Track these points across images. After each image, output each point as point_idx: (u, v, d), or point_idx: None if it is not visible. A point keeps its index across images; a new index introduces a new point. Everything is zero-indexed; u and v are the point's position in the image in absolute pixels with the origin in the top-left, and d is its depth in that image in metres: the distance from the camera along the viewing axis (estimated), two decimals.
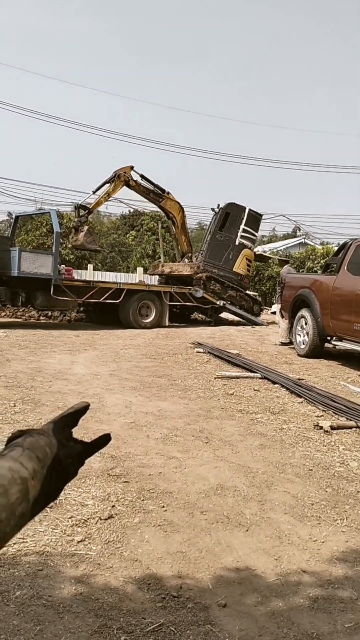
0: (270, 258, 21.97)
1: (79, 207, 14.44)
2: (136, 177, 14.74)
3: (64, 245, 24.35)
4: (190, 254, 16.56)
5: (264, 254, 21.59)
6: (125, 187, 14.61)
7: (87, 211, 14.37)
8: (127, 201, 32.56)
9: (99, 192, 14.32)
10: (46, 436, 0.77)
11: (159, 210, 17.37)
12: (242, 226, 15.64)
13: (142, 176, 14.89)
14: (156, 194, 15.33)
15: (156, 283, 16.44)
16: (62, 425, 0.83)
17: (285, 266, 12.72)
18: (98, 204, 14.62)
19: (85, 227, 14.20)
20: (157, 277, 17.00)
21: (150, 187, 15.17)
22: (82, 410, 0.85)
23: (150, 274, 17.92)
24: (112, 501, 3.15)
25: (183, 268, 15.54)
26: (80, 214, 14.25)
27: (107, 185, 14.25)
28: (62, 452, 0.78)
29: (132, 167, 14.57)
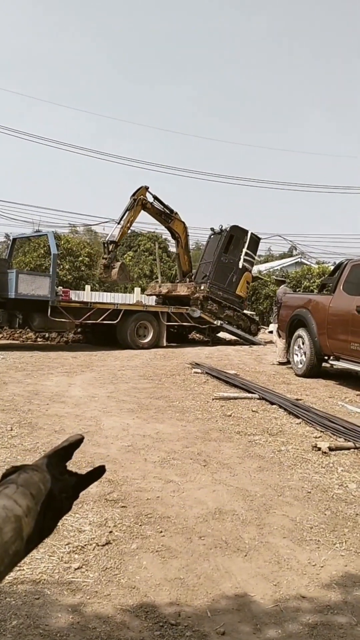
0: (261, 278, 22.10)
1: (108, 243, 14.42)
2: (150, 198, 14.85)
3: (61, 267, 24.48)
4: (190, 274, 16.65)
5: (256, 275, 21.75)
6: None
7: (115, 245, 14.40)
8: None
9: (121, 223, 14.36)
10: (40, 472, 0.78)
11: (156, 229, 17.54)
12: (245, 249, 15.77)
13: (155, 197, 14.99)
14: (166, 215, 15.45)
15: (154, 303, 16.47)
16: (57, 460, 0.83)
17: (282, 286, 12.78)
18: (123, 234, 14.69)
19: (118, 264, 14.25)
20: (154, 297, 17.04)
21: (162, 208, 15.30)
22: (76, 443, 0.86)
23: (147, 295, 17.96)
24: (109, 527, 3.13)
25: (180, 288, 15.59)
26: (110, 249, 14.23)
27: (128, 212, 14.32)
28: (56, 488, 0.79)
29: (147, 188, 14.65)
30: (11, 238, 16.67)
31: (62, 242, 25.89)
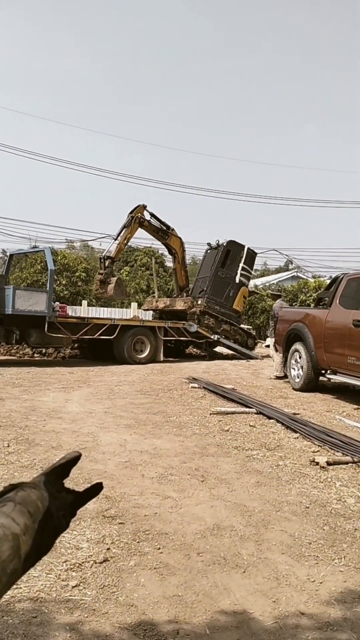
0: (257, 293, 22.15)
1: (104, 258, 14.45)
2: (147, 216, 14.94)
3: (58, 282, 24.51)
4: (187, 288, 16.70)
5: (251, 289, 21.83)
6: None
7: (111, 261, 14.43)
8: None
9: (118, 239, 14.42)
10: (38, 490, 0.78)
11: (152, 244, 17.62)
12: (242, 264, 15.85)
13: (152, 215, 15.07)
14: (163, 232, 15.51)
15: (151, 318, 16.47)
16: (54, 477, 0.83)
17: (278, 300, 12.82)
18: (119, 250, 14.71)
19: (114, 279, 14.23)
20: (151, 312, 17.06)
21: (159, 225, 15.37)
22: (74, 460, 0.86)
23: (144, 310, 17.98)
24: (107, 544, 3.11)
25: (177, 303, 15.62)
26: (106, 265, 14.24)
27: (125, 229, 14.38)
28: (53, 505, 0.79)
29: (144, 207, 14.75)
30: (8, 254, 16.72)
31: (59, 258, 25.94)
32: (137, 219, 14.46)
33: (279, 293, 14.68)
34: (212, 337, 15.24)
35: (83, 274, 27.01)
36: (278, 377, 11.08)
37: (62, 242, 43.12)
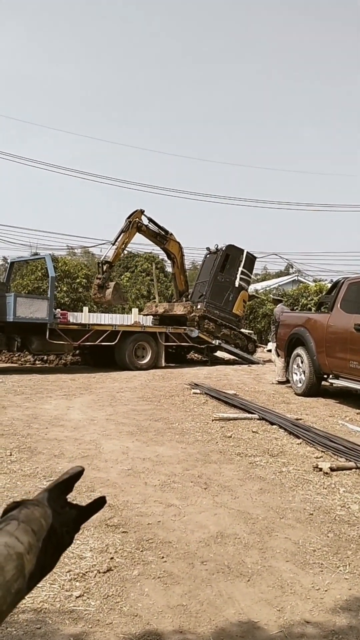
0: (257, 297, 22.14)
1: (102, 263, 14.43)
2: (145, 221, 14.94)
3: (58, 289, 24.53)
4: (187, 293, 16.70)
5: (252, 293, 21.83)
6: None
7: (109, 266, 14.40)
8: None
9: (116, 244, 14.39)
10: (41, 507, 0.78)
11: (152, 250, 17.62)
12: (241, 268, 15.85)
13: (150, 219, 15.06)
14: (161, 237, 15.51)
15: (150, 323, 16.47)
16: (57, 493, 0.83)
17: (279, 305, 12.82)
18: (117, 255, 14.68)
19: (112, 284, 14.21)
20: (151, 317, 17.07)
21: (157, 230, 15.36)
22: (77, 475, 0.86)
23: (144, 315, 17.97)
24: (110, 553, 3.10)
25: (177, 308, 15.61)
26: (104, 269, 14.22)
27: (123, 234, 14.36)
28: (57, 522, 0.78)
29: (142, 212, 14.75)
30: (9, 261, 16.75)
31: (60, 265, 25.95)
32: (134, 224, 14.46)
33: (280, 297, 14.69)
34: (213, 342, 15.23)
35: (84, 280, 27.01)
36: (280, 382, 11.07)
37: (62, 249, 43.21)
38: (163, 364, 14.16)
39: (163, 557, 3.08)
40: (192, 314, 14.98)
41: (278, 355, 11.25)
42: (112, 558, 3.03)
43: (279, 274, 50.34)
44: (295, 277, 40.10)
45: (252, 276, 17.97)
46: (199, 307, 15.31)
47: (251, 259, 16.43)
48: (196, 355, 17.06)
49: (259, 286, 37.05)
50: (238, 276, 15.83)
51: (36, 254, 26.53)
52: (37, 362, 14.99)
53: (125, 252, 16.20)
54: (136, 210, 14.67)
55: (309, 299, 25.26)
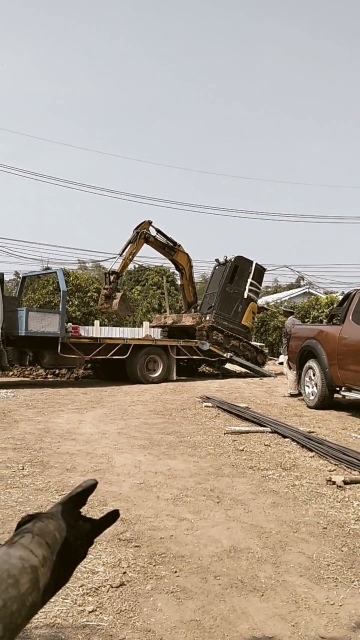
0: (267, 309, 22.07)
1: (109, 273, 14.38)
2: (153, 232, 14.93)
3: (70, 303, 24.65)
4: (195, 304, 16.69)
5: (263, 305, 21.75)
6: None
7: (117, 276, 14.37)
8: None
9: (123, 254, 14.37)
10: (55, 520, 0.78)
11: (163, 264, 17.60)
12: (250, 280, 15.81)
13: (158, 230, 15.07)
14: (169, 248, 15.51)
15: (159, 335, 16.46)
16: (71, 506, 0.83)
17: (290, 317, 12.77)
18: (125, 266, 14.66)
19: (119, 294, 14.17)
20: (160, 329, 17.05)
21: (165, 241, 15.36)
22: (90, 488, 0.86)
23: (152, 326, 17.94)
24: (123, 567, 3.08)
25: (185, 319, 15.59)
26: (111, 280, 14.17)
27: (131, 245, 14.35)
28: (71, 535, 0.79)
29: (150, 223, 14.75)
30: (21, 276, 16.89)
31: (71, 279, 26.10)
32: (142, 235, 14.45)
33: (291, 310, 14.65)
34: (224, 355, 15.18)
35: (95, 294, 27.10)
36: (292, 395, 11.00)
37: (74, 263, 43.50)
38: (174, 377, 14.13)
39: (176, 572, 3.06)
40: (201, 325, 14.94)
41: (290, 367, 11.20)
42: (124, 572, 3.02)
43: (290, 287, 50.23)
44: (307, 290, 39.99)
45: (263, 288, 17.93)
46: (207, 318, 15.27)
47: (260, 271, 16.39)
48: (207, 368, 17.01)
49: (270, 299, 36.96)
50: (247, 287, 15.78)
51: (48, 268, 26.74)
52: (48, 376, 15.03)
53: (134, 264, 16.21)
54: (144, 221, 14.67)
55: (320, 311, 25.19)
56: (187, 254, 15.97)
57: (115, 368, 13.98)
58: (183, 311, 17.21)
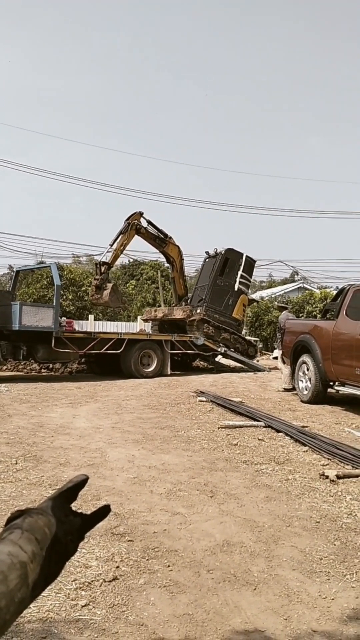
0: (257, 301, 22.11)
1: (100, 264, 14.25)
2: (144, 223, 14.86)
3: (64, 297, 24.61)
4: (186, 297, 16.66)
5: (253, 298, 21.75)
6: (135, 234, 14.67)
7: (107, 267, 14.25)
8: (126, 252, 33.02)
9: (114, 245, 14.27)
10: (45, 515, 0.77)
11: (158, 259, 17.52)
12: (240, 272, 15.76)
13: (150, 222, 15.00)
14: (160, 239, 15.44)
15: (150, 328, 16.37)
16: (61, 502, 0.83)
17: (284, 312, 12.79)
18: (116, 257, 14.55)
19: (109, 285, 14.06)
20: (150, 322, 17.01)
21: (156, 233, 15.29)
22: (81, 484, 0.86)
23: (143, 319, 17.86)
24: (116, 561, 3.09)
25: (176, 312, 15.55)
26: (102, 270, 14.05)
27: (122, 236, 14.25)
28: (61, 531, 0.78)
29: (141, 214, 14.67)
30: (15, 270, 16.81)
31: (65, 273, 26.06)
32: (133, 226, 14.36)
33: (285, 305, 14.64)
34: (219, 349, 15.18)
35: (89, 288, 27.10)
36: (286, 390, 11.03)
37: (68, 257, 43.35)
38: (169, 372, 14.13)
39: (169, 566, 3.07)
40: (192, 318, 14.90)
41: (284, 362, 11.22)
42: (117, 567, 3.02)
43: (284, 281, 50.29)
44: (301, 285, 40.07)
45: (257, 283, 17.97)
46: (198, 311, 15.24)
47: (250, 263, 16.31)
48: (202, 362, 17.01)
49: (264, 293, 37.05)
50: (237, 280, 15.71)
51: (42, 262, 26.64)
52: (42, 370, 15.00)
53: (129, 258, 16.17)
54: (135, 212, 14.58)
55: (314, 306, 25.28)
56: (177, 247, 15.89)
57: (110, 362, 13.96)
58: (174, 304, 17.15)
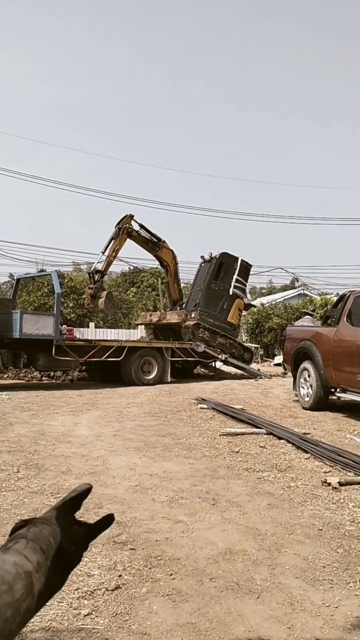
0: (254, 306, 22.09)
1: (93, 272, 14.22)
2: (136, 226, 14.76)
3: (65, 305, 24.63)
4: (181, 302, 16.63)
5: (250, 302, 21.72)
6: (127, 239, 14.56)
7: (101, 275, 14.23)
8: (127, 259, 33.16)
9: (106, 252, 14.22)
10: (49, 525, 0.78)
11: (158, 266, 17.43)
12: (235, 276, 15.72)
13: (141, 225, 14.91)
14: (153, 243, 15.36)
15: (144, 333, 16.31)
16: (65, 511, 0.83)
17: (306, 316, 12.66)
18: (109, 263, 14.47)
19: (104, 293, 14.06)
20: (145, 326, 16.98)
21: (148, 236, 15.21)
22: (84, 493, 0.86)
23: (137, 324, 17.82)
24: (118, 570, 3.08)
25: (171, 316, 15.51)
26: (96, 279, 14.03)
27: (113, 242, 14.17)
28: (65, 540, 0.78)
29: (132, 217, 14.54)
30: (15, 278, 16.84)
31: (66, 281, 26.10)
32: (124, 230, 14.22)
33: (310, 312, 14.46)
34: (219, 356, 15.15)
35: (85, 297, 27.11)
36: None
37: (68, 265, 43.39)
38: (169, 379, 14.12)
39: (171, 574, 3.05)
40: (187, 322, 14.87)
41: (285, 369, 11.21)
42: (120, 575, 3.01)
43: (284, 288, 50.33)
44: (301, 291, 40.09)
45: (257, 289, 17.98)
46: (192, 315, 15.21)
47: (246, 267, 16.23)
48: (202, 370, 16.99)
49: (264, 300, 37.05)
50: (232, 284, 15.65)
51: (42, 270, 26.66)
52: (43, 378, 14.99)
53: (126, 263, 16.16)
54: (125, 215, 14.43)
55: (315, 312, 25.25)
56: (172, 251, 15.80)
57: (110, 370, 13.95)
58: (168, 308, 17.13)
